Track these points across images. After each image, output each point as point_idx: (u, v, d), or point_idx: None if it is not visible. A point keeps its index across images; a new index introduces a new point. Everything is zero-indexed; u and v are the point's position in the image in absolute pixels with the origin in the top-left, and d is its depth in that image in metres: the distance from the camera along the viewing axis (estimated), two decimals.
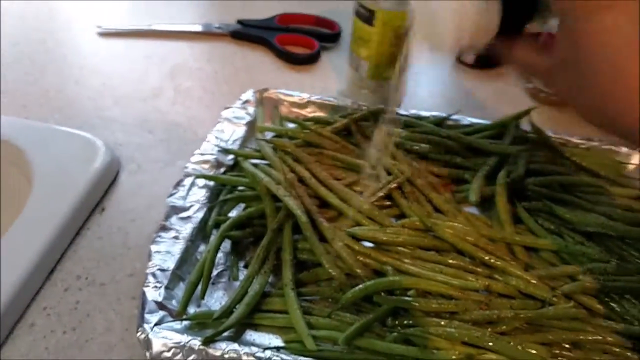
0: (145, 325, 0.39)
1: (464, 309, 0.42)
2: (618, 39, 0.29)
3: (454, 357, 0.39)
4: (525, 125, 0.58)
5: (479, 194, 0.50)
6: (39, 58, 0.69)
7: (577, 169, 0.55)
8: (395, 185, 0.51)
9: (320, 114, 0.61)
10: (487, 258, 0.45)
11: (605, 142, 0.58)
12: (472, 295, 0.43)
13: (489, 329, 0.41)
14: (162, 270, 0.43)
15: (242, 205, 0.50)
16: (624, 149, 0.57)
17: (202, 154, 0.53)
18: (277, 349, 0.39)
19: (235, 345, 0.38)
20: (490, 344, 0.39)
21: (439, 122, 0.59)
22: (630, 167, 0.57)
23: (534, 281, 0.44)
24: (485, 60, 0.71)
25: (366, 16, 0.57)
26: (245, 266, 0.46)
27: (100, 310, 0.43)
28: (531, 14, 0.38)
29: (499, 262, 0.45)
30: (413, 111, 0.60)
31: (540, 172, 0.53)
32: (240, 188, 0.51)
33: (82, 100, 0.63)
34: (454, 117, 0.60)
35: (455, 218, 0.49)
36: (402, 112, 0.60)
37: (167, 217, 0.47)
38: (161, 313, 0.41)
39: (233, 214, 0.49)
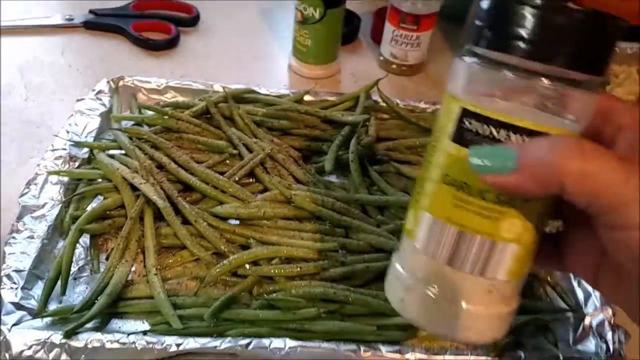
0: (2, 327, 0.38)
1: (322, 268, 0.45)
2: None
3: (314, 313, 0.42)
4: (376, 96, 0.62)
5: (333, 163, 0.53)
6: None
7: (423, 131, 0.60)
8: (257, 161, 0.53)
9: (181, 98, 0.61)
10: (343, 219, 0.49)
11: None
12: (331, 255, 0.46)
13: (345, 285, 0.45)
14: (18, 271, 0.42)
15: (102, 198, 0.50)
16: None
17: (54, 150, 0.51)
18: (144, 332, 0.40)
19: (99, 335, 0.38)
20: (347, 297, 0.43)
21: (299, 99, 0.62)
22: None
23: (383, 235, 0.47)
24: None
25: None
26: (107, 258, 0.45)
27: None
28: None
29: (353, 222, 0.49)
30: (273, 90, 0.62)
31: (389, 137, 0.58)
32: (99, 180, 0.50)
33: None
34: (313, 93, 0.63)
35: (315, 187, 0.52)
36: (262, 91, 0.62)
37: (20, 217, 0.46)
38: (20, 313, 0.40)
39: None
